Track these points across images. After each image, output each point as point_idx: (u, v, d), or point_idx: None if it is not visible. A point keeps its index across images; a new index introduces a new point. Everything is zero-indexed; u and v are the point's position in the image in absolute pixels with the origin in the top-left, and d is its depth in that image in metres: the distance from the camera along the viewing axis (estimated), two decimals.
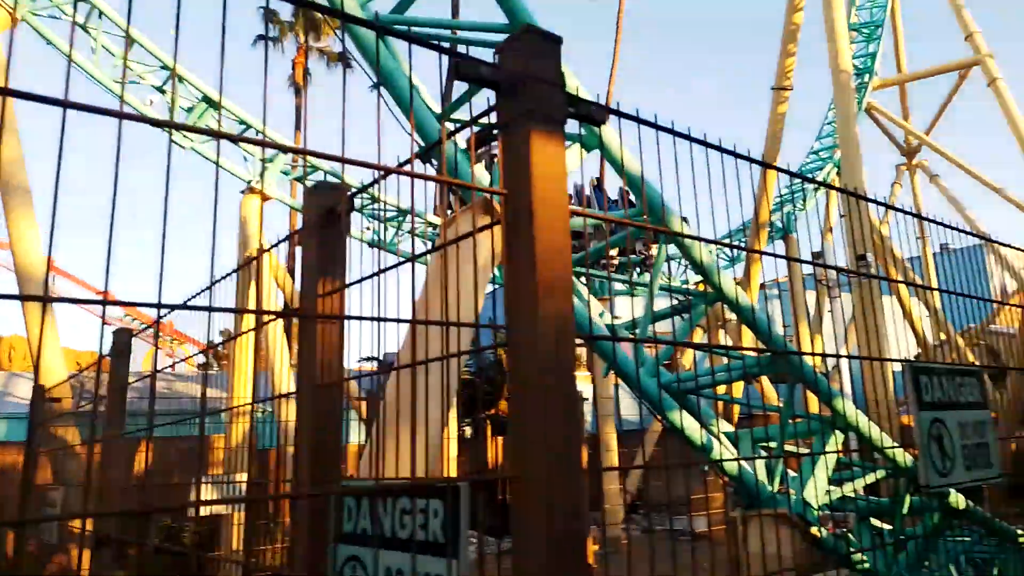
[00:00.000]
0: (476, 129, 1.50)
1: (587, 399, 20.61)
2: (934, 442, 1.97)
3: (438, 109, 10.05)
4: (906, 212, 2.64)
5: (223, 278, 2.76)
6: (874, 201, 2.61)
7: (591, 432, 20.12)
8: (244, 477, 11.07)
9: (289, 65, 28.69)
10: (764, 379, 17.62)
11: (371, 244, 19.39)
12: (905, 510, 6.78)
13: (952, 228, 2.52)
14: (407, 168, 1.39)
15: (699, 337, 19.14)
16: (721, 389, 10.12)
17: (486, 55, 1.48)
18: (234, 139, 1.19)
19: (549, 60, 1.40)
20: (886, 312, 15.93)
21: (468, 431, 22.87)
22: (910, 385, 2.00)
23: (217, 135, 1.21)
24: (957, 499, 6.05)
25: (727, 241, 26.67)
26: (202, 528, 14.04)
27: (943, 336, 22.21)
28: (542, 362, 1.26)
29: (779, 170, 2.31)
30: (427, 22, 7.10)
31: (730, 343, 18.34)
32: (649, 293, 5.56)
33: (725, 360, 7.77)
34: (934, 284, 26.64)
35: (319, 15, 25.82)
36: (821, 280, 15.90)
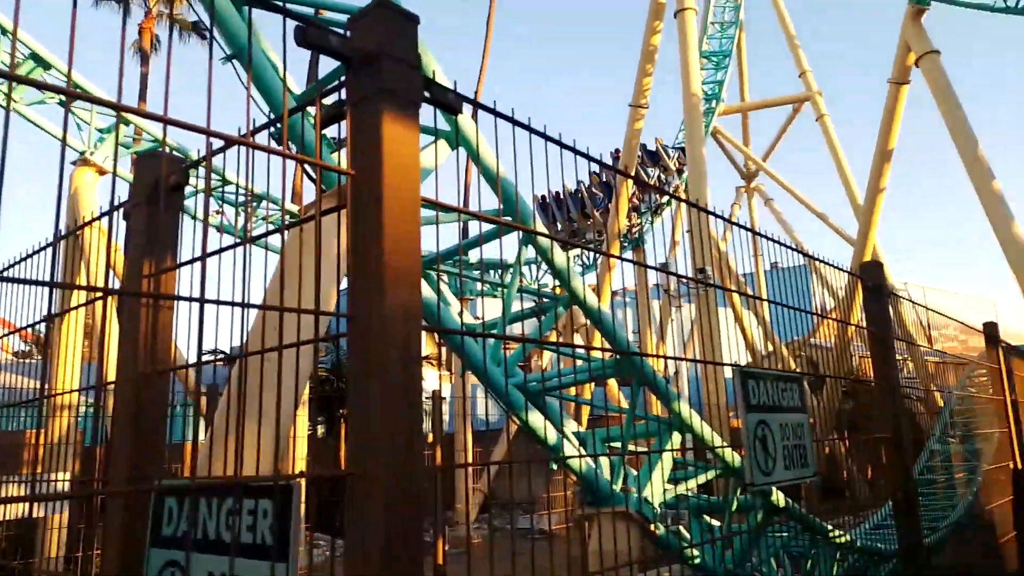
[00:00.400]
0: (327, 104, 1.41)
1: (445, 398, 20.55)
2: (759, 442, 2.11)
3: (300, 89, 9.62)
4: (741, 226, 2.81)
5: (39, 251, 2.46)
6: (714, 214, 2.77)
7: (448, 431, 20.10)
8: (65, 476, 10.00)
9: (135, 30, 26.38)
10: (612, 382, 18.40)
11: (218, 228, 18.25)
12: (734, 508, 7.28)
13: (779, 243, 2.70)
14: (247, 139, 1.27)
15: (554, 340, 19.68)
16: (574, 391, 10.46)
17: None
18: (77, 96, 1.03)
19: (405, 39, 1.33)
20: (722, 322, 17.22)
21: (320, 430, 22.10)
22: (739, 388, 2.12)
23: (67, 93, 1.05)
24: (778, 497, 6.58)
25: (581, 242, 27.76)
26: (11, 534, 12.52)
27: (771, 347, 24.30)
28: (386, 353, 1.19)
29: (631, 178, 2.38)
30: None
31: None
32: (507, 294, 5.62)
33: (578, 363, 8.02)
34: (764, 298, 29.13)
35: None
36: (666, 290, 16.89)
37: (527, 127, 1.80)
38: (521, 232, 5.95)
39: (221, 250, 1.52)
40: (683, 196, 25.14)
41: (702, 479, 7.55)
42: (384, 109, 1.26)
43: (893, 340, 2.91)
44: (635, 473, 7.23)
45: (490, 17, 25.50)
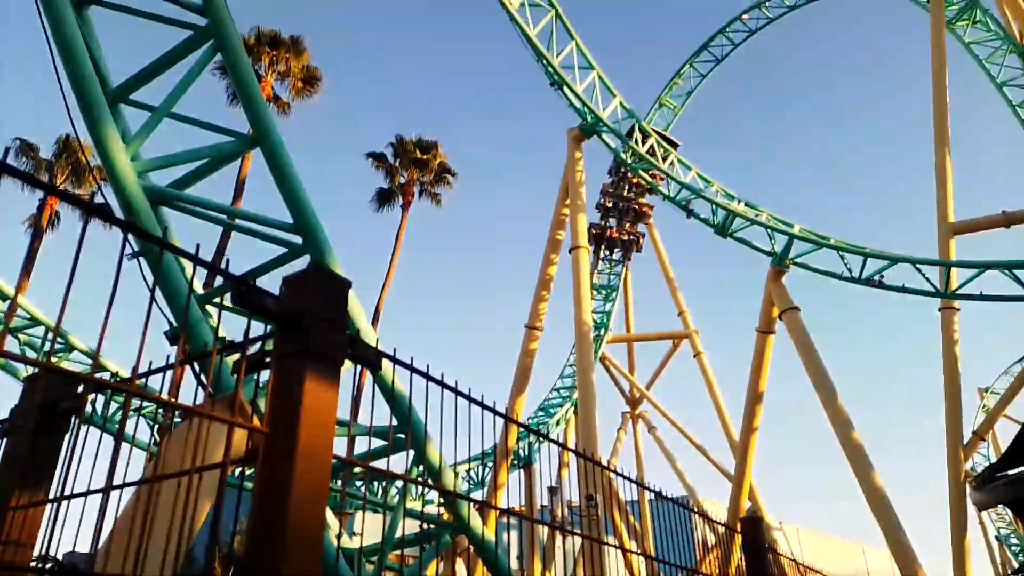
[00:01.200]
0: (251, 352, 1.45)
1: None
2: None
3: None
4: (626, 478, 2.89)
5: None
6: (597, 463, 2.88)
7: None
8: None
9: (35, 204, 25.90)
10: None
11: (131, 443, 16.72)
12: None
13: (661, 496, 2.80)
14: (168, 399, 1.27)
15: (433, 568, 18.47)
16: None
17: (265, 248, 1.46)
18: None
19: (335, 301, 1.43)
20: (608, 552, 16.78)
21: None
22: None
23: None
24: None
25: (464, 471, 27.18)
26: None
27: None
28: None
29: (516, 423, 2.46)
30: (210, 204, 6.94)
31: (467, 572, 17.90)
32: (393, 519, 5.35)
33: None
34: (649, 527, 28.92)
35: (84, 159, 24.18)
36: (555, 516, 16.55)
37: (429, 377, 1.88)
38: (412, 452, 5.85)
39: (86, 493, 1.43)
40: (571, 421, 25.63)
41: None
42: (307, 368, 1.31)
43: None
44: None
45: (398, 239, 26.93)
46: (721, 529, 3.12)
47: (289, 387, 1.30)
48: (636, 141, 22.63)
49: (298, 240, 6.75)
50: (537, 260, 25.24)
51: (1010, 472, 4.25)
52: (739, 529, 3.11)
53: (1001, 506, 39.89)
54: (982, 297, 18.16)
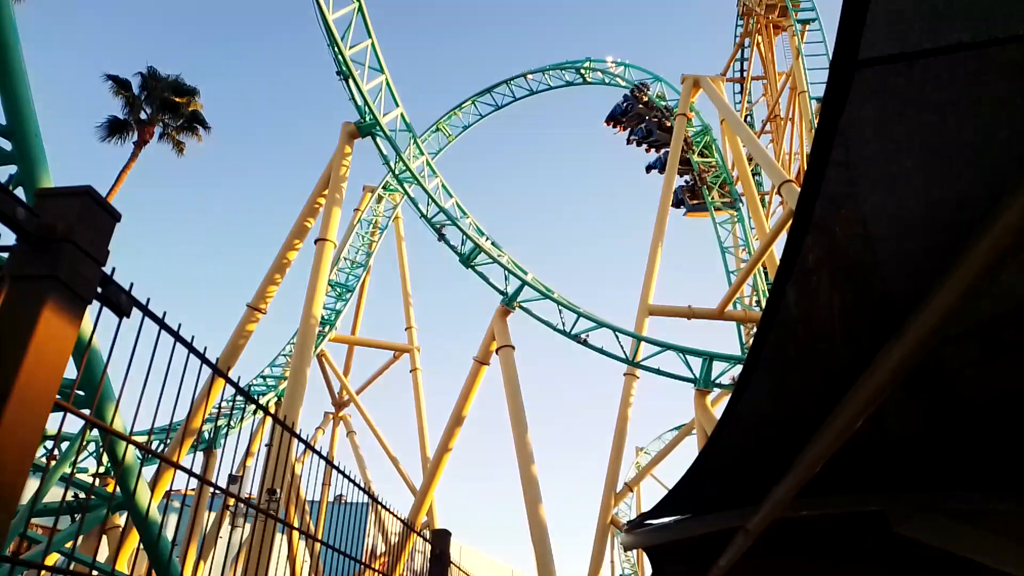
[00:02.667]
0: None
1: None
2: None
3: None
4: (324, 457, 2.91)
5: None
6: (301, 439, 2.86)
7: None
8: None
9: None
10: None
11: None
12: None
13: (348, 478, 2.86)
14: None
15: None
16: None
17: None
18: None
19: (99, 232, 1.27)
20: (275, 549, 16.23)
21: None
22: None
23: None
24: None
25: (146, 441, 24.49)
26: None
27: None
28: None
29: (227, 379, 2.38)
30: None
31: (108, 552, 15.99)
32: (47, 480, 4.62)
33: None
34: (322, 530, 28.50)
35: None
36: (228, 506, 15.59)
37: (186, 343, 1.75)
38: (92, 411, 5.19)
39: None
40: (272, 408, 24.52)
41: None
42: (49, 298, 1.15)
43: None
44: None
45: (121, 177, 23.80)
46: (394, 539, 3.26)
47: (21, 313, 1.13)
48: (409, 155, 22.87)
49: (7, 146, 5.69)
50: (272, 244, 24.01)
51: (654, 522, 5.00)
52: (430, 539, 3.28)
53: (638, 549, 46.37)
54: (658, 371, 21.23)
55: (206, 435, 24.16)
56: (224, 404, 24.98)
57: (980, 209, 1.51)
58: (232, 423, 25.40)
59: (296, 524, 25.04)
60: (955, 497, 3.59)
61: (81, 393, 5.21)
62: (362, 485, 2.88)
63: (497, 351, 22.20)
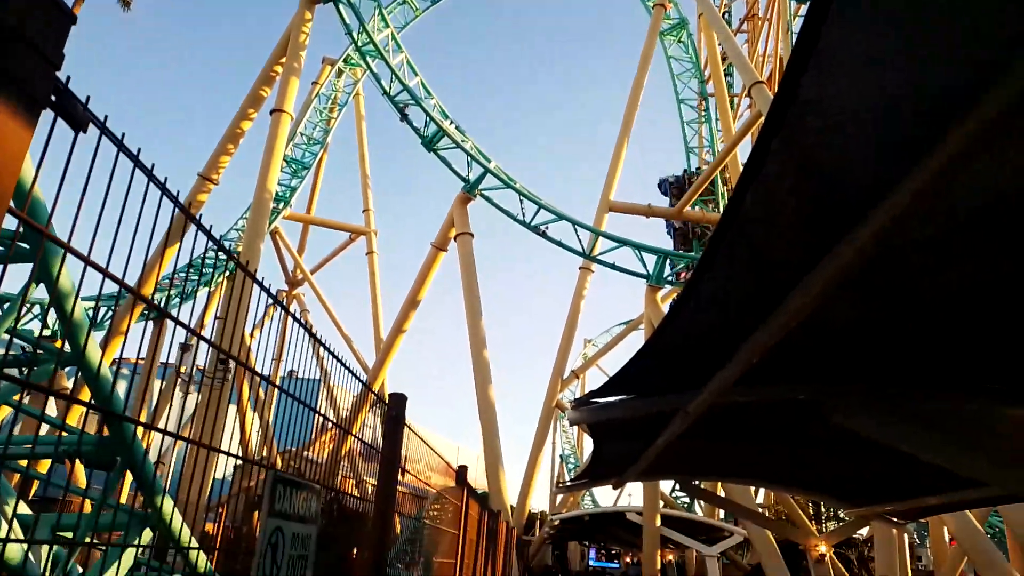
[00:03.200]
0: None
1: None
2: (271, 548, 2.13)
3: None
4: (299, 322, 2.92)
5: None
6: (264, 288, 2.84)
7: None
8: None
9: None
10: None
11: None
12: None
13: (318, 342, 2.89)
14: None
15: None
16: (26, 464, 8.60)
17: None
18: None
19: (52, 30, 1.17)
20: (227, 421, 16.55)
21: None
22: (268, 491, 2.14)
23: None
24: None
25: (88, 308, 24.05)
26: None
27: (265, 451, 24.03)
28: None
29: (189, 216, 2.33)
30: None
31: (56, 413, 16.06)
32: None
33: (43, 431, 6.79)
34: (272, 404, 29.09)
35: None
36: (181, 372, 15.71)
37: (145, 170, 1.67)
38: (36, 264, 5.05)
39: None
40: (224, 283, 24.29)
41: None
42: (2, 98, 1.07)
43: (399, 466, 3.28)
44: (80, 570, 6.23)
45: None
46: (345, 415, 3.32)
47: None
48: (373, 27, 21.70)
49: None
50: (224, 113, 22.96)
51: (599, 400, 5.23)
52: (387, 402, 3.36)
53: (573, 428, 48.74)
54: (613, 266, 21.58)
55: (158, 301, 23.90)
56: (176, 275, 24.64)
57: (944, 111, 1.53)
58: (189, 282, 25.12)
59: (247, 396, 25.44)
60: (886, 391, 3.82)
61: (25, 246, 5.05)
62: (324, 344, 2.89)
63: (456, 238, 22.16)
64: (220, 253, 1.92)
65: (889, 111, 1.70)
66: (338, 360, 2.90)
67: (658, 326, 3.20)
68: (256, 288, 2.21)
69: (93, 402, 5.69)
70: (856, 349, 3.42)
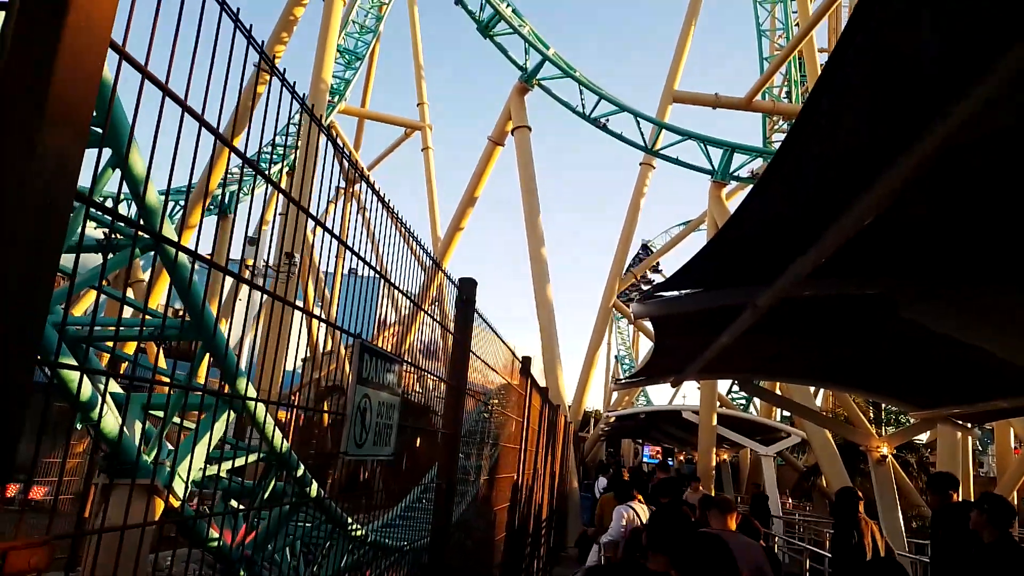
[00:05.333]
0: None
1: None
2: (360, 414, 2.19)
3: None
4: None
5: None
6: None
7: None
8: None
9: None
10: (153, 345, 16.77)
11: None
12: (267, 494, 7.23)
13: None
14: None
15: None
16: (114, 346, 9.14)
17: None
18: None
19: None
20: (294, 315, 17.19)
21: None
22: (356, 359, 2.18)
23: None
24: (312, 488, 6.76)
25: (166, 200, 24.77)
26: None
27: (330, 344, 25.08)
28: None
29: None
30: None
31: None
32: (74, 219, 4.69)
33: (128, 315, 7.14)
34: (336, 298, 30.02)
35: None
36: (248, 266, 16.28)
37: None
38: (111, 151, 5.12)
39: None
40: (284, 181, 24.59)
41: (241, 461, 7.34)
42: None
43: (469, 348, 3.32)
44: (171, 447, 6.69)
45: None
46: (405, 304, 3.30)
47: None
48: None
49: None
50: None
51: (666, 294, 5.16)
52: (457, 284, 3.36)
53: (629, 329, 49.13)
54: (676, 161, 20.90)
55: (219, 199, 24.51)
56: (235, 171, 25.05)
57: None
58: (243, 191, 25.60)
59: (312, 291, 26.24)
60: (960, 285, 3.65)
61: (97, 129, 5.10)
62: (399, 216, 2.84)
63: (513, 132, 21.69)
64: (302, 111, 1.85)
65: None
66: (410, 234, 2.87)
67: (730, 217, 3.08)
68: (319, 176, 2.17)
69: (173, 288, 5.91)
70: (929, 246, 3.26)
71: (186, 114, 1.29)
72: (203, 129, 1.37)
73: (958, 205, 2.68)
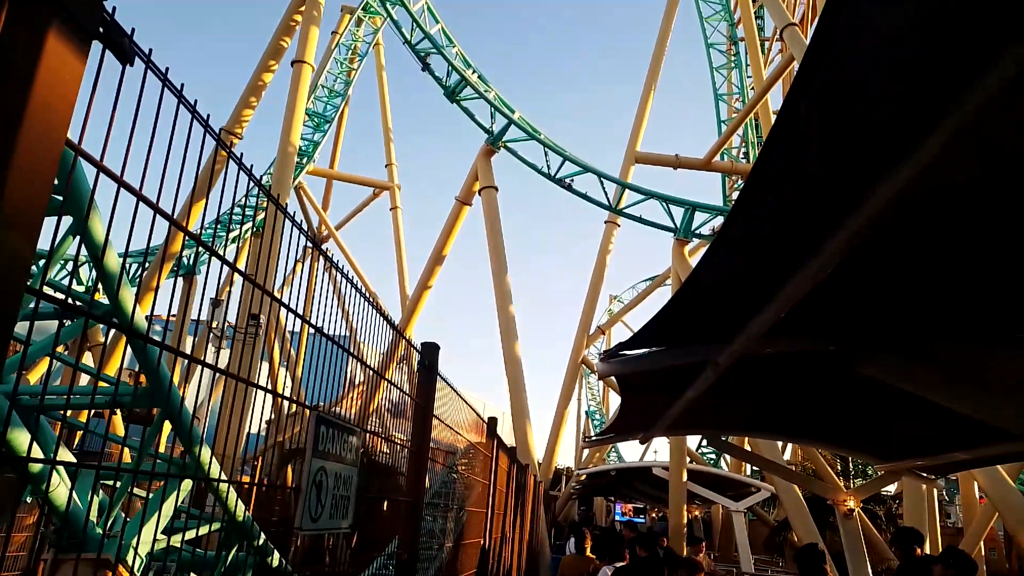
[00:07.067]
0: None
1: None
2: (315, 488, 2.16)
3: None
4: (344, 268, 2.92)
5: None
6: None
7: None
8: None
9: None
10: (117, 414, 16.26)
11: None
12: (225, 565, 6.97)
13: (359, 289, 2.90)
14: None
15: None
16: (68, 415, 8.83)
17: None
18: None
19: None
20: (258, 375, 16.87)
21: None
22: (312, 431, 2.17)
23: None
24: (273, 559, 6.54)
25: (124, 261, 24.44)
26: None
27: (294, 407, 24.59)
28: None
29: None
30: None
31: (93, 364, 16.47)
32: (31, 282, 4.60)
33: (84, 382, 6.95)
34: (302, 358, 29.55)
35: None
36: (214, 329, 15.99)
37: (188, 104, 1.65)
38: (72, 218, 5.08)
39: None
40: (249, 244, 24.45)
41: (202, 531, 7.09)
42: (52, 27, 1.04)
43: (432, 413, 3.31)
44: (124, 517, 6.43)
45: None
46: (373, 362, 3.32)
47: (22, 40, 1.02)
48: None
49: None
50: (246, 67, 22.78)
51: (628, 352, 5.21)
52: (419, 350, 3.37)
53: (598, 385, 49.01)
54: (640, 219, 21.32)
55: (186, 261, 24.23)
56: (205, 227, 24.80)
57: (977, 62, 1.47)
58: (217, 237, 25.33)
59: (277, 351, 25.83)
60: (917, 342, 3.77)
61: (57, 197, 5.07)
62: (358, 286, 2.87)
63: (480, 192, 22.02)
64: (259, 192, 1.90)
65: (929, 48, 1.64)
66: (371, 303, 2.90)
67: (688, 275, 3.16)
68: (284, 241, 2.20)
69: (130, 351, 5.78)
70: (885, 302, 3.37)
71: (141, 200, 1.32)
72: (157, 215, 1.39)
73: (911, 262, 2.78)
